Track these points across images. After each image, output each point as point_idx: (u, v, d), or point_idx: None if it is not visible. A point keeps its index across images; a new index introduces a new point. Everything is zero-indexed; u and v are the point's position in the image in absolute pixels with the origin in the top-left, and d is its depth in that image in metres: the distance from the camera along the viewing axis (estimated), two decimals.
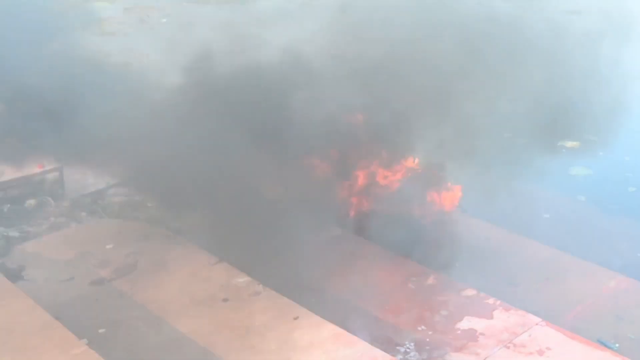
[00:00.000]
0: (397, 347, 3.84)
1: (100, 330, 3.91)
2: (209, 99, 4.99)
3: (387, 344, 3.85)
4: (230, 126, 4.92)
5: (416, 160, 5.58)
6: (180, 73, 5.23)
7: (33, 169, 5.41)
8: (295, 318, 3.91)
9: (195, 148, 4.83)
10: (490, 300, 4.19)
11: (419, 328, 4.00)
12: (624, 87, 7.64)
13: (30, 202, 5.31)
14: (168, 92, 5.13)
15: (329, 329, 3.82)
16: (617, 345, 3.95)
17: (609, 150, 6.44)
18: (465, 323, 4.00)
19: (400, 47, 5.35)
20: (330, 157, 5.24)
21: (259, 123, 4.82)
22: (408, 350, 3.83)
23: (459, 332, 3.94)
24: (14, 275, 4.43)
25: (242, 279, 4.26)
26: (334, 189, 5.24)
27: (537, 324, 3.95)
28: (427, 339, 3.88)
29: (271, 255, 4.73)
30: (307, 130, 4.86)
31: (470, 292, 4.28)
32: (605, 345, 3.90)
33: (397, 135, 5.29)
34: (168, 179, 4.95)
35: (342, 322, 3.91)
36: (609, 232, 5.23)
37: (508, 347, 3.78)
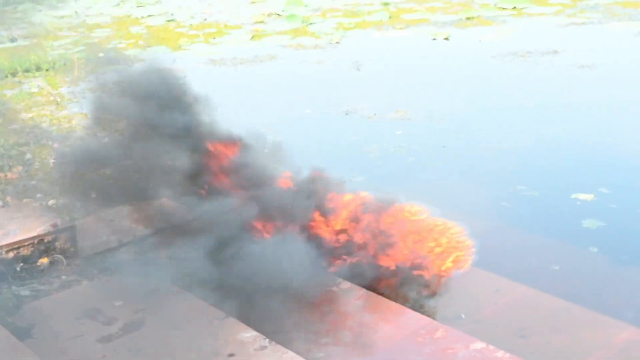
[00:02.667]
0: None
1: None
2: None
3: None
4: None
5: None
6: None
7: (46, 228, 5.48)
8: None
9: None
10: (499, 353, 4.13)
11: None
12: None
13: (42, 260, 5.37)
14: None
15: None
16: None
17: (623, 203, 6.44)
18: None
19: None
20: None
21: None
22: None
23: None
24: (23, 334, 4.46)
25: (249, 334, 4.26)
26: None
27: None
28: None
29: (280, 309, 4.76)
30: None
31: (479, 345, 4.23)
32: None
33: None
34: None
35: None
36: (621, 283, 5.19)
37: None
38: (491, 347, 4.20)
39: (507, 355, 4.11)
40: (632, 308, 4.79)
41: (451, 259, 5.28)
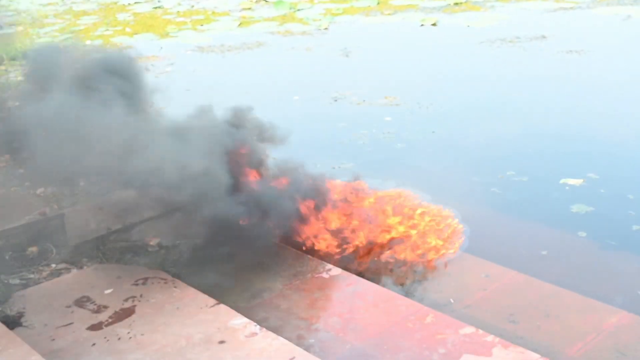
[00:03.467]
0: None
1: None
2: None
3: None
4: None
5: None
6: None
7: (34, 216, 5.45)
8: (292, 359, 3.89)
9: None
10: (489, 338, 4.14)
11: None
12: (629, 125, 7.73)
13: (32, 249, 5.34)
14: None
15: None
16: None
17: (612, 188, 6.47)
18: None
19: None
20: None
21: None
22: None
23: None
24: (13, 322, 4.44)
25: (239, 321, 4.25)
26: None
27: None
28: None
29: (268, 294, 4.77)
30: None
31: (469, 329, 4.24)
32: None
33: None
34: None
35: None
36: (610, 268, 5.22)
37: None
38: (481, 332, 4.22)
39: (497, 339, 4.13)
40: (621, 293, 4.82)
41: (440, 243, 5.30)
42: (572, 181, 6.59)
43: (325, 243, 5.25)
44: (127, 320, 4.41)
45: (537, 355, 3.97)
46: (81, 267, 5.19)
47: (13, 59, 12.18)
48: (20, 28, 15.53)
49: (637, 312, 4.49)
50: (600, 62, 10.86)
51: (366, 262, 5.22)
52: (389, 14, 15.10)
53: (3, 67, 11.78)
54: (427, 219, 5.46)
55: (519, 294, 4.78)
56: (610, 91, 9.41)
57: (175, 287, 4.74)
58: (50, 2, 19.14)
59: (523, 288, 4.85)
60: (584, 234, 5.68)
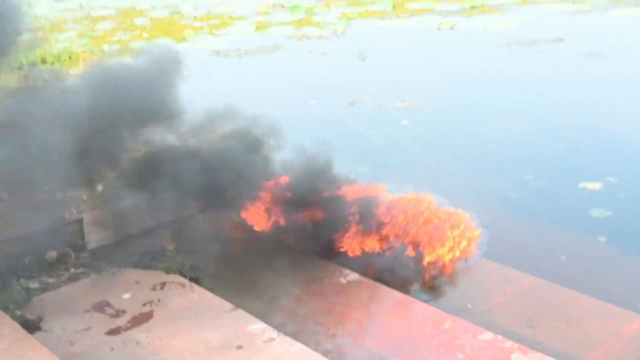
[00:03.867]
0: None
1: None
2: None
3: None
4: None
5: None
6: None
7: (54, 221, 5.47)
8: None
9: None
10: (508, 344, 4.13)
11: None
12: None
13: (51, 253, 5.37)
14: None
15: None
16: None
17: (631, 192, 6.42)
18: None
19: None
20: None
21: None
22: None
23: None
24: (32, 326, 4.47)
25: (257, 326, 4.25)
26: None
27: None
28: None
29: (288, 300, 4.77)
30: None
31: (488, 335, 4.22)
32: None
33: None
34: None
35: None
36: (629, 273, 5.17)
37: None
38: (500, 337, 4.20)
39: (516, 345, 4.11)
40: None
41: (461, 248, 5.26)
42: (591, 185, 6.55)
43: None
44: (145, 325, 4.43)
45: None
46: (100, 272, 5.21)
47: (32, 64, 12.26)
48: (39, 34, 15.63)
49: None
50: (619, 64, 10.78)
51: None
52: (405, 18, 15.08)
53: (23, 73, 11.86)
54: (447, 226, 5.40)
55: (538, 299, 4.75)
56: (629, 94, 9.34)
57: (193, 291, 4.75)
58: (69, 8, 19.27)
59: (542, 293, 4.82)
60: (603, 239, 5.63)
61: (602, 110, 8.84)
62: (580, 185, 6.57)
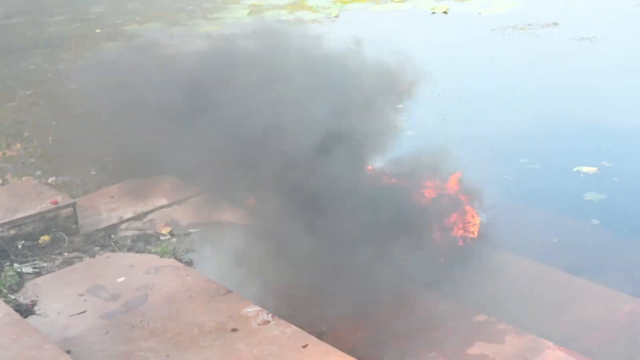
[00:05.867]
0: None
1: None
2: None
3: None
4: None
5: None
6: None
7: (47, 205, 5.46)
8: (304, 346, 3.88)
9: None
10: (502, 326, 4.13)
11: (430, 354, 3.96)
12: None
13: (44, 238, 5.36)
14: None
15: (338, 357, 3.78)
16: None
17: (625, 176, 6.43)
18: (476, 348, 3.96)
19: None
20: None
21: None
22: None
23: (469, 357, 3.90)
24: (26, 310, 4.47)
25: (252, 309, 4.25)
26: None
27: (548, 348, 3.89)
28: None
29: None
30: None
31: (482, 317, 4.23)
32: None
33: None
34: None
35: (350, 352, 3.88)
36: (623, 256, 5.18)
37: None
38: (493, 319, 4.21)
39: (510, 327, 4.12)
40: (634, 281, 4.79)
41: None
42: (586, 169, 6.55)
43: None
44: (140, 308, 4.42)
45: (550, 343, 3.95)
46: (93, 256, 5.20)
47: (24, 48, 12.20)
48: (30, 17, 15.54)
49: None
50: (613, 50, 10.77)
51: None
52: (400, 2, 15.02)
53: (14, 57, 11.79)
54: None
55: (532, 281, 4.76)
56: (623, 78, 9.34)
57: (187, 275, 4.74)
58: None
59: (536, 276, 4.82)
60: (597, 222, 5.64)
61: (598, 95, 8.84)
62: (575, 169, 6.57)
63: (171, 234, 5.46)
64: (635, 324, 4.27)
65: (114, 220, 5.64)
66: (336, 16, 14.17)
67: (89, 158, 5.64)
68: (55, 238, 5.37)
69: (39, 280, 4.85)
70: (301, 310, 4.45)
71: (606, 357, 3.94)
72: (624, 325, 4.26)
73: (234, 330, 4.09)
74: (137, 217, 5.70)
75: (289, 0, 15.95)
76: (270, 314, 4.18)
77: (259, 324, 4.11)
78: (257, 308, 4.26)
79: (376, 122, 5.08)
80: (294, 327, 4.06)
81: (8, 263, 5.04)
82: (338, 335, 4.19)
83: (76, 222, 5.52)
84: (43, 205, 5.46)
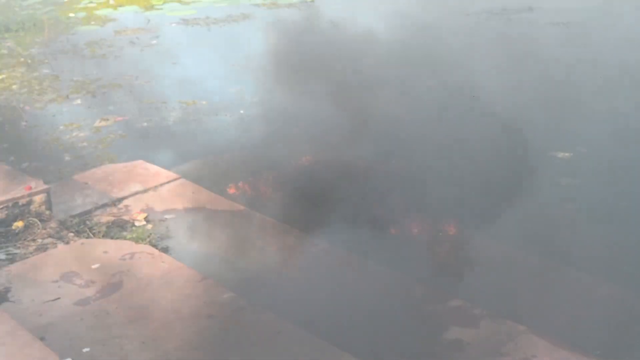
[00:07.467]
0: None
1: (85, 350, 3.88)
2: None
3: (371, 355, 3.84)
4: None
5: None
6: None
7: (20, 191, 5.40)
8: (278, 332, 3.89)
9: None
10: (477, 310, 4.17)
11: (404, 339, 3.98)
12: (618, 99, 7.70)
13: (17, 224, 5.30)
14: None
15: (313, 342, 3.80)
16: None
17: (600, 162, 6.47)
18: (451, 333, 3.98)
19: None
20: None
21: None
22: None
23: (444, 342, 3.93)
24: (0, 298, 4.42)
25: (227, 295, 4.25)
26: None
27: (523, 332, 3.93)
28: (412, 350, 3.88)
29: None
30: None
31: (457, 302, 4.26)
32: None
33: None
34: None
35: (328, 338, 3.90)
36: (597, 240, 5.22)
37: (494, 356, 3.76)
38: (469, 304, 4.23)
39: (485, 312, 4.15)
40: (607, 265, 4.83)
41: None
42: (561, 154, 6.59)
43: None
44: (115, 295, 4.39)
45: (523, 327, 3.99)
46: (67, 242, 5.15)
47: None
48: (2, 0, 15.30)
49: (622, 285, 4.52)
50: (587, 35, 10.81)
51: None
52: None
53: None
54: None
55: (505, 267, 4.79)
56: (598, 64, 9.39)
57: (162, 261, 4.72)
58: None
59: (512, 262, 4.86)
60: (571, 207, 5.68)
61: (573, 80, 8.87)
62: (550, 154, 6.61)
63: (147, 220, 5.42)
64: (609, 307, 4.32)
65: (89, 207, 5.59)
66: (312, 1, 14.11)
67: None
68: (29, 224, 5.31)
69: (12, 267, 4.80)
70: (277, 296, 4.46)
71: (580, 341, 3.98)
72: (597, 308, 4.31)
73: (209, 316, 4.09)
74: (112, 203, 5.65)
75: None
76: (244, 300, 4.18)
77: (233, 310, 4.11)
78: (232, 294, 4.26)
79: None
80: (269, 313, 4.07)
81: None
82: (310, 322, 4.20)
83: (50, 208, 5.46)
84: (16, 191, 5.39)
